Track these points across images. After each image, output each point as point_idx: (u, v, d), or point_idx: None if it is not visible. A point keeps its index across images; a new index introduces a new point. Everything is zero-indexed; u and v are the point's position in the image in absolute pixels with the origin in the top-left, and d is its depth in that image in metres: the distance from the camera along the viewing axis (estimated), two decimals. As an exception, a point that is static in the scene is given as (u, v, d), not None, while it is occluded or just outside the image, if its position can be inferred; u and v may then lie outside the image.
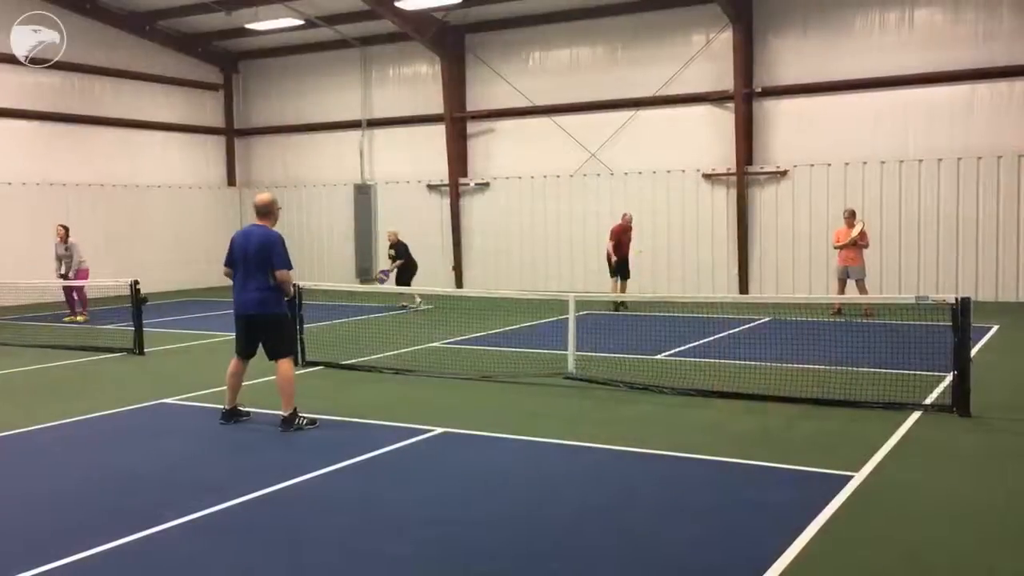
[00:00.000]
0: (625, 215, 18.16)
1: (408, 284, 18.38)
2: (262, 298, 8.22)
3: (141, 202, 23.65)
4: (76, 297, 17.17)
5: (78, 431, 8.61)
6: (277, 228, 8.51)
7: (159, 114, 24.42)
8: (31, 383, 11.20)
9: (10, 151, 21.05)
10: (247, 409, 8.70)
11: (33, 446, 8.11)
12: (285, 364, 8.32)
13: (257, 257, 8.18)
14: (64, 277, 16.93)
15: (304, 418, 8.29)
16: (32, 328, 16.12)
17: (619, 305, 17.22)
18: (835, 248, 16.26)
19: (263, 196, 8.52)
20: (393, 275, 18.49)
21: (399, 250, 18.61)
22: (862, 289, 15.83)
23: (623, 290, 17.69)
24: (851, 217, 15.99)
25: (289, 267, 8.28)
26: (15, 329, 16.03)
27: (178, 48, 24.69)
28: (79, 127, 22.58)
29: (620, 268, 17.74)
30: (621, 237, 17.78)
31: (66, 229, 17.26)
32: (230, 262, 8.40)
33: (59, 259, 17.18)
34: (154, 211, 23.88)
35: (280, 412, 8.32)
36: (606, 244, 17.95)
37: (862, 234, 15.81)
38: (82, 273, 17.00)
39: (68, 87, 22.41)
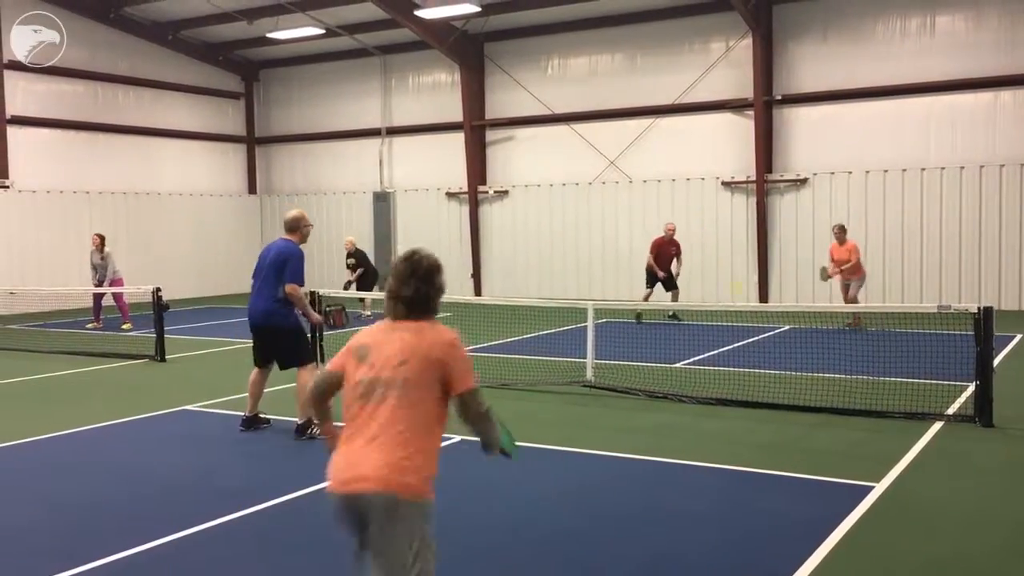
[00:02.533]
0: (668, 226, 17.09)
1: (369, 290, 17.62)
2: (268, 309, 8.19)
3: (162, 210, 23.84)
4: (118, 306, 17.25)
5: (101, 437, 8.68)
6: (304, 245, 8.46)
7: (181, 122, 24.63)
8: (54, 389, 11.30)
9: (34, 159, 21.29)
10: (267, 417, 8.73)
11: (56, 452, 8.18)
12: (302, 373, 8.28)
13: (271, 268, 8.18)
14: (99, 285, 17.01)
15: (317, 426, 8.23)
16: (55, 334, 16.27)
17: (666, 315, 16.66)
18: (831, 271, 15.29)
19: (291, 212, 8.50)
20: (354, 285, 17.73)
21: (359, 258, 18.03)
22: (855, 300, 15.37)
23: (674, 299, 16.86)
24: (841, 232, 15.32)
25: (298, 282, 8.13)
26: (39, 335, 16.18)
27: (200, 57, 24.91)
28: (102, 135, 22.82)
29: (664, 281, 16.78)
30: (660, 250, 16.79)
31: (102, 238, 17.32)
32: (255, 273, 8.47)
33: (95, 267, 17.25)
34: (175, 219, 24.06)
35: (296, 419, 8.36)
36: (647, 256, 17.10)
37: (857, 263, 15.20)
38: (117, 282, 17.08)
39: (91, 96, 22.65)
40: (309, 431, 8.17)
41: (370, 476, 3.44)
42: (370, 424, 3.54)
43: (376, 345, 3.68)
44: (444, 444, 7.73)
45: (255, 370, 8.55)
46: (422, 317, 3.69)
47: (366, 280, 17.95)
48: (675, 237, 16.99)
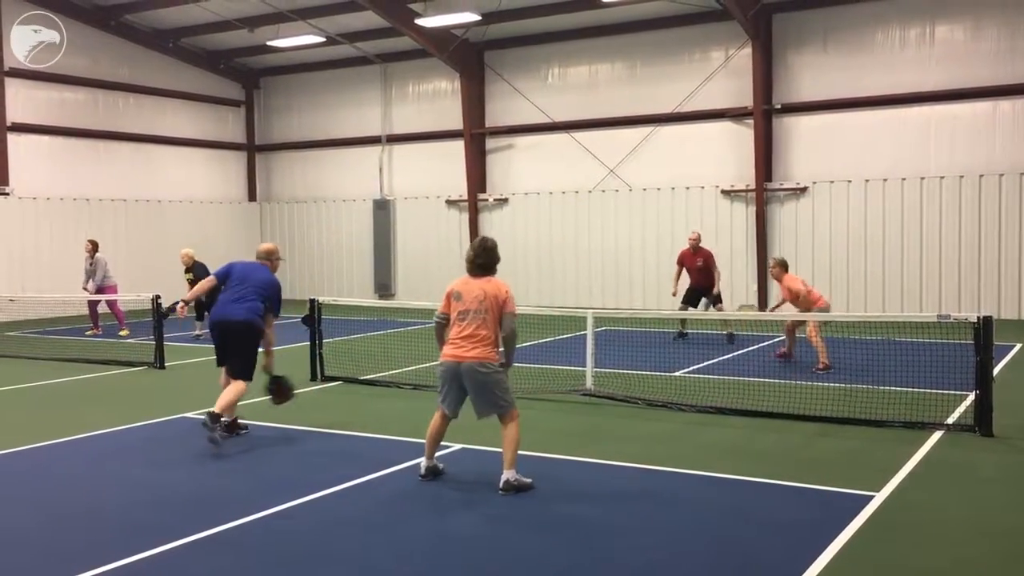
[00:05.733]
0: (690, 236, 15.34)
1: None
2: (252, 309, 8.42)
3: (163, 217, 23.84)
4: (114, 313, 17.25)
5: (100, 444, 8.67)
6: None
7: (181, 130, 24.66)
8: (54, 396, 11.29)
9: (35, 166, 21.30)
10: (246, 424, 8.81)
11: (54, 459, 8.17)
12: (239, 384, 8.40)
13: (261, 287, 8.55)
14: (96, 290, 17.00)
15: (222, 423, 8.23)
16: (55, 341, 16.26)
17: (683, 334, 15.12)
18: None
19: (266, 244, 9.17)
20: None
21: (198, 272, 16.36)
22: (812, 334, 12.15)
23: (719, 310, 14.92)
24: (780, 269, 12.47)
25: (277, 314, 8.69)
26: (38, 342, 16.18)
27: (200, 65, 24.96)
28: (103, 142, 22.84)
29: (695, 295, 14.95)
30: (685, 263, 15.16)
31: (93, 244, 17.32)
32: (222, 277, 8.72)
33: (87, 273, 17.27)
34: (175, 226, 24.01)
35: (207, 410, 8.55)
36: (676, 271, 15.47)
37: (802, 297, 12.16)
38: (109, 289, 17.06)
39: (92, 103, 22.68)
40: (221, 421, 8.16)
41: (467, 356, 6.66)
42: (466, 333, 6.68)
43: (465, 291, 6.78)
44: (446, 451, 7.74)
45: (223, 376, 8.69)
46: (486, 275, 6.83)
47: (211, 295, 16.49)
48: (702, 246, 15.09)
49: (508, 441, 6.71)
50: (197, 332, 16.39)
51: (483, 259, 6.83)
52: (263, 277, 8.64)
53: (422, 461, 7.08)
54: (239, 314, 8.40)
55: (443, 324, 6.90)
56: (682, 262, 15.32)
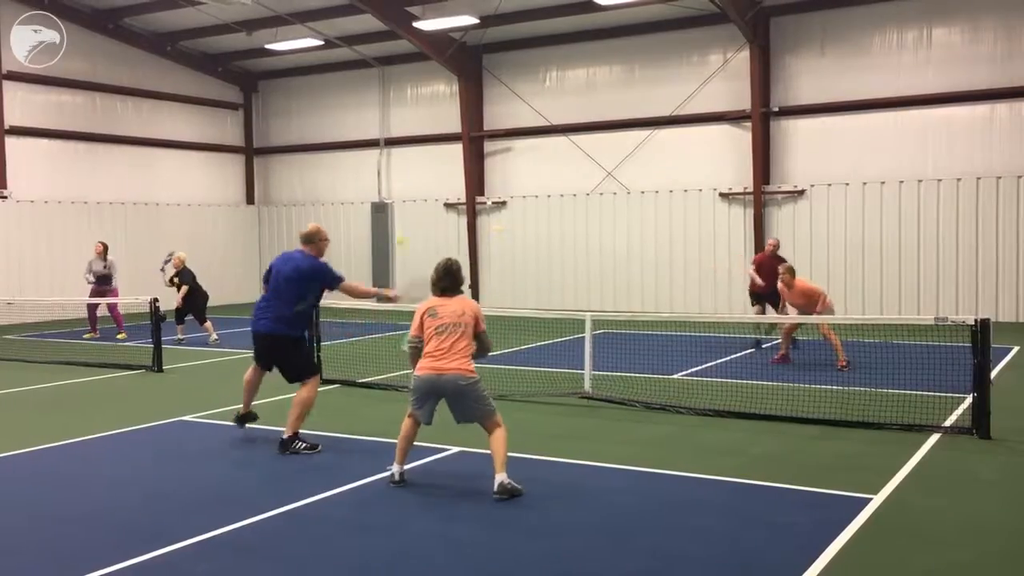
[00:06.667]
0: (770, 241, 15.34)
1: (203, 315, 16.29)
2: (277, 316, 8.15)
3: (161, 220, 23.82)
4: (113, 316, 17.25)
5: (97, 448, 8.66)
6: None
7: (179, 133, 24.66)
8: (52, 399, 11.28)
9: (33, 169, 21.29)
10: (256, 415, 8.80)
11: (51, 463, 8.16)
12: (306, 387, 8.20)
13: (289, 283, 8.16)
14: (101, 294, 16.94)
15: (303, 443, 8.11)
16: (53, 344, 16.25)
17: (760, 342, 14.77)
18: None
19: (308, 226, 8.56)
20: (180, 299, 16.22)
21: (184, 277, 16.21)
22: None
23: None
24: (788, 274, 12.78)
25: (342, 279, 8.40)
26: (36, 345, 16.16)
27: (199, 68, 24.96)
28: (101, 146, 22.84)
29: (761, 296, 14.85)
30: (762, 266, 14.70)
31: (104, 246, 17.27)
32: (267, 279, 8.45)
33: (93, 275, 17.10)
34: (173, 229, 23.99)
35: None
36: (749, 272, 15.13)
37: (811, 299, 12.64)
38: (112, 292, 17.05)
39: (90, 106, 22.68)
40: (294, 446, 8.06)
41: (448, 368, 6.75)
42: (445, 346, 6.78)
43: (441, 308, 6.91)
44: (445, 455, 7.88)
45: (252, 367, 8.55)
46: (456, 293, 7.01)
47: (195, 301, 16.26)
48: (779, 253, 14.87)
49: (499, 445, 6.73)
50: (179, 336, 16.42)
51: (447, 282, 7.00)
52: (292, 268, 8.18)
53: (394, 467, 7.01)
54: (262, 326, 8.26)
55: (418, 348, 6.90)
56: (758, 266, 14.76)
